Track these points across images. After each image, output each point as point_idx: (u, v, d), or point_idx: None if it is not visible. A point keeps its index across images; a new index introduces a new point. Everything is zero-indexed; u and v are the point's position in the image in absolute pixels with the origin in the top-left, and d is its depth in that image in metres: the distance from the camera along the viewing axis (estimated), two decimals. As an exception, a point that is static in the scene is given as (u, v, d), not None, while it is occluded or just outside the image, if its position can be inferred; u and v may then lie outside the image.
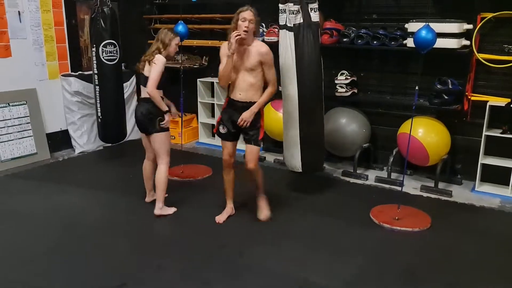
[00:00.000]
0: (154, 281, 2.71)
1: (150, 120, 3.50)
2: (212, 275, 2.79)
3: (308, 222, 3.53)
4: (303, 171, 4.01)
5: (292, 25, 3.71)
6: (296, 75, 3.76)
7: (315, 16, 3.74)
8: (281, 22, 3.82)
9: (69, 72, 5.31)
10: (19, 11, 4.77)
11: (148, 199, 3.89)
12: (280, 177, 4.48)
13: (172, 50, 3.56)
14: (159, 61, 3.44)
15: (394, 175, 4.44)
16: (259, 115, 3.38)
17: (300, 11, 3.67)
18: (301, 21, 3.69)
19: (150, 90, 3.40)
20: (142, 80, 3.57)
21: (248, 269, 2.87)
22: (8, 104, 4.79)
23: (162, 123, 3.49)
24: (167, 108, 3.50)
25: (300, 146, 3.91)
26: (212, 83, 5.58)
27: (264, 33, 4.93)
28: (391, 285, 2.71)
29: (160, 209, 3.60)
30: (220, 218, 3.51)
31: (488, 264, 2.96)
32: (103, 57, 4.67)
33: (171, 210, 3.67)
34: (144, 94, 3.57)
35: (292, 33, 3.72)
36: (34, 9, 4.90)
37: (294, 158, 3.99)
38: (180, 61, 5.13)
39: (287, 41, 3.77)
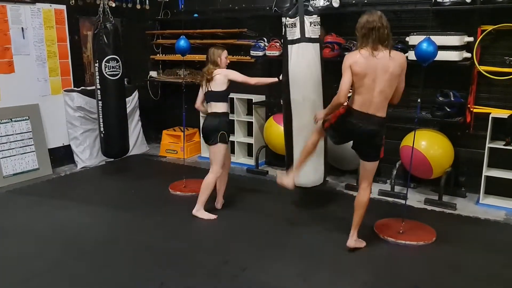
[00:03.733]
0: (157, 298, 2.68)
1: (215, 132, 3.72)
2: (215, 291, 2.76)
3: (311, 237, 3.50)
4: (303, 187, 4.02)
5: (291, 39, 3.73)
6: (297, 88, 3.78)
7: (314, 30, 3.74)
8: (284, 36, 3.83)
9: (72, 87, 5.34)
10: (22, 28, 4.82)
11: (218, 205, 4.06)
12: (283, 191, 4.44)
13: (224, 64, 3.80)
14: (229, 72, 3.76)
15: (397, 188, 4.42)
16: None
17: (297, 25, 3.68)
18: (299, 35, 3.70)
19: (253, 82, 3.81)
20: (212, 97, 3.76)
21: (252, 285, 2.83)
22: (11, 119, 4.80)
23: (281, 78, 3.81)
24: (274, 79, 3.89)
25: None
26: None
27: (266, 47, 4.96)
28: (396, 301, 2.67)
29: (197, 210, 3.83)
30: None
31: (494, 278, 2.91)
32: (105, 72, 4.70)
33: (207, 216, 3.83)
34: (213, 109, 3.77)
35: (291, 46, 3.74)
36: (37, 25, 4.95)
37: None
38: (182, 76, 5.16)
39: (287, 54, 3.79)
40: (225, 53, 3.80)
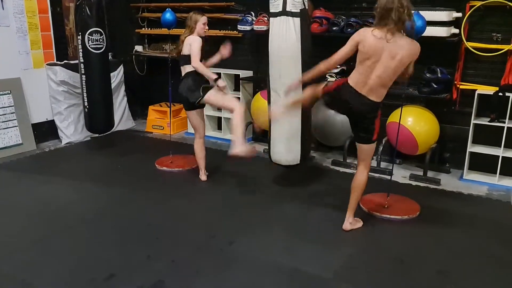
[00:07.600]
0: (143, 272, 2.68)
1: (193, 91, 3.76)
2: (202, 264, 2.77)
3: (297, 211, 3.53)
4: (300, 162, 3.96)
5: (298, 11, 3.59)
6: (301, 63, 3.65)
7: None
8: (275, 10, 3.66)
9: (55, 61, 5.21)
10: (1, -2, 4.65)
11: (203, 177, 4.11)
12: (269, 166, 4.46)
13: (200, 30, 3.80)
14: (193, 40, 3.72)
15: (383, 164, 4.46)
16: None
17: None
18: (303, 7, 3.61)
19: (194, 64, 3.69)
20: (182, 60, 3.84)
21: (238, 258, 2.85)
22: (-8, 93, 4.69)
23: (220, 85, 3.73)
24: (215, 76, 3.72)
25: (301, 138, 3.86)
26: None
27: (253, 22, 4.88)
28: (381, 274, 2.72)
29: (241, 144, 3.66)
30: None
31: (476, 251, 2.98)
32: (89, 46, 4.58)
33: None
34: (186, 70, 3.83)
35: (298, 19, 3.59)
36: (17, -4, 4.78)
37: (292, 151, 3.90)
38: (168, 50, 5.07)
39: (289, 27, 3.61)
40: (203, 19, 3.80)
